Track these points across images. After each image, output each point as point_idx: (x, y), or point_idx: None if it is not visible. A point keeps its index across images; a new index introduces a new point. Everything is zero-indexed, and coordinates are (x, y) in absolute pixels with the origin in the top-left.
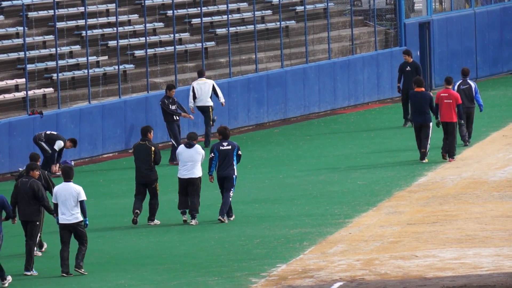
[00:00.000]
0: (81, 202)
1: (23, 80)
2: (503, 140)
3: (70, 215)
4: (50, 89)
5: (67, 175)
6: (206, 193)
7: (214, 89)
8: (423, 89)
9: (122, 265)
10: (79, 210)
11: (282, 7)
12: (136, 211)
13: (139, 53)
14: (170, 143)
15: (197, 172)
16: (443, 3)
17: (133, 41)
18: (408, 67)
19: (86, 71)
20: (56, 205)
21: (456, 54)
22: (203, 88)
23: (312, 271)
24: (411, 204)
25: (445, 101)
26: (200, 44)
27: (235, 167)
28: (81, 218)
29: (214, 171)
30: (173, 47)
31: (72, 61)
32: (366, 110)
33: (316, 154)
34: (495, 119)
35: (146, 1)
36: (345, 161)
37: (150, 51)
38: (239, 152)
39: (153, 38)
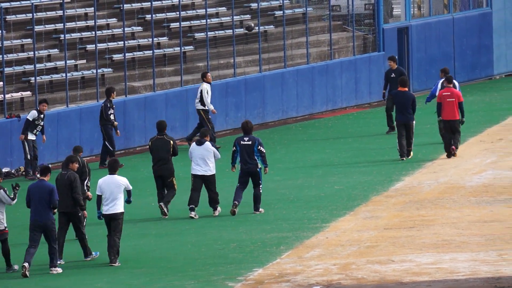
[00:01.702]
0: (129, 192)
1: (1, 83)
2: (480, 145)
3: (112, 205)
4: (28, 93)
5: (112, 168)
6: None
7: (201, 94)
8: (406, 89)
9: (99, 268)
10: (121, 201)
11: (261, 11)
12: (164, 210)
13: (117, 57)
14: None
15: (211, 168)
16: (422, 9)
17: (112, 45)
18: (393, 73)
19: (64, 74)
20: (99, 196)
21: (434, 59)
22: (198, 93)
23: (289, 276)
24: (388, 209)
25: (447, 100)
26: (179, 48)
27: (258, 161)
28: (121, 209)
29: (237, 163)
30: (151, 51)
31: (50, 64)
32: (344, 115)
33: (294, 158)
34: (472, 124)
35: (124, 5)
36: (322, 166)
37: (129, 55)
38: (260, 148)
39: (132, 42)
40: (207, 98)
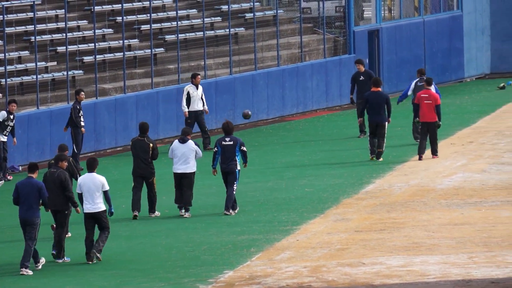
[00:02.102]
0: (106, 192)
1: None
2: (451, 148)
3: (94, 204)
4: None
5: (91, 166)
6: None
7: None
8: (380, 89)
9: (68, 271)
10: (102, 200)
11: (231, 14)
12: (135, 214)
13: (88, 59)
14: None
15: (191, 167)
16: (392, 11)
17: (82, 47)
18: (362, 76)
19: (34, 76)
20: (80, 195)
21: (405, 62)
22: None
23: (259, 278)
24: (359, 212)
25: (425, 101)
26: (149, 50)
27: (237, 162)
28: (104, 208)
29: (218, 165)
30: (122, 53)
31: (20, 66)
32: (314, 118)
33: (264, 161)
34: (443, 127)
35: (95, 7)
36: (293, 168)
37: (99, 57)
38: (243, 148)
39: (102, 44)
40: (183, 100)
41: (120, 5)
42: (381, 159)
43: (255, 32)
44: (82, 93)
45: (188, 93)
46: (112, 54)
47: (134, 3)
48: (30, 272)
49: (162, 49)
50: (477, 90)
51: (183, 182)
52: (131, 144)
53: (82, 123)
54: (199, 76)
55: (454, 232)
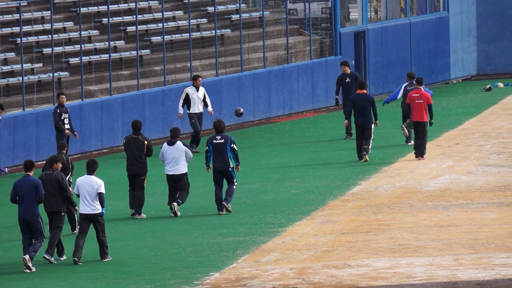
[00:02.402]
0: (100, 194)
1: None
2: (437, 150)
3: (91, 205)
4: None
5: (90, 168)
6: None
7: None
8: (365, 91)
9: (55, 272)
10: (97, 201)
11: (217, 15)
12: (133, 212)
13: (74, 60)
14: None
15: (181, 168)
16: (379, 13)
17: (68, 48)
18: (348, 78)
19: (20, 78)
20: (77, 196)
21: (391, 63)
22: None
23: (245, 280)
24: (345, 213)
25: (416, 101)
26: (135, 52)
27: (230, 159)
28: (100, 210)
29: (211, 162)
30: (108, 55)
31: (6, 68)
32: (300, 119)
33: (250, 162)
34: (429, 128)
35: (81, 9)
36: (279, 170)
37: (85, 59)
38: (233, 146)
39: (88, 46)
40: (180, 101)
41: (106, 6)
42: (366, 159)
43: (241, 34)
44: (62, 96)
45: (187, 95)
46: (98, 56)
47: (120, 5)
48: (33, 269)
49: (148, 50)
50: (463, 92)
51: (178, 185)
52: (125, 143)
53: (67, 126)
54: (200, 79)
55: (440, 234)
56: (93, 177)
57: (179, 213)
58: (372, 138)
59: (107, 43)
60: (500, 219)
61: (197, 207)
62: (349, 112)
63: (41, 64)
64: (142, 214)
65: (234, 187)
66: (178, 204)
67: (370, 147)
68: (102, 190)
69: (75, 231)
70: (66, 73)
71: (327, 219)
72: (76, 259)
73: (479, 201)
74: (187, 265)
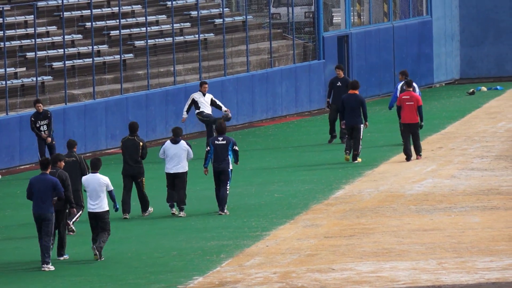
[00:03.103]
0: (110, 192)
1: None
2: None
3: (96, 204)
4: None
5: (95, 166)
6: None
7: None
8: (356, 92)
9: (38, 277)
10: (105, 200)
11: (201, 19)
12: (125, 215)
13: (57, 64)
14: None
15: (183, 167)
16: (362, 17)
17: (51, 52)
18: (339, 82)
19: (3, 82)
20: (84, 191)
21: (374, 67)
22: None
23: (229, 284)
24: (328, 217)
25: (407, 103)
26: (119, 56)
27: (230, 161)
28: (107, 208)
29: (210, 164)
30: (91, 59)
31: None
32: (284, 123)
33: (234, 166)
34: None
35: (64, 13)
36: (262, 174)
37: (69, 63)
38: (235, 148)
39: (72, 50)
40: (185, 106)
41: (89, 11)
42: (358, 160)
43: (224, 38)
44: (38, 104)
45: (193, 100)
46: (81, 60)
47: (103, 9)
48: (52, 268)
49: (131, 54)
50: (447, 96)
51: (176, 182)
52: (122, 144)
53: (43, 132)
54: (206, 85)
55: (424, 238)
56: (98, 174)
57: (185, 214)
58: (360, 140)
59: (90, 47)
60: (483, 223)
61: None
62: (341, 112)
63: (24, 68)
64: (149, 208)
65: (227, 192)
66: (182, 210)
67: (359, 150)
68: (111, 187)
69: (64, 257)
70: (50, 77)
71: (311, 223)
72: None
73: (463, 205)
74: (171, 269)
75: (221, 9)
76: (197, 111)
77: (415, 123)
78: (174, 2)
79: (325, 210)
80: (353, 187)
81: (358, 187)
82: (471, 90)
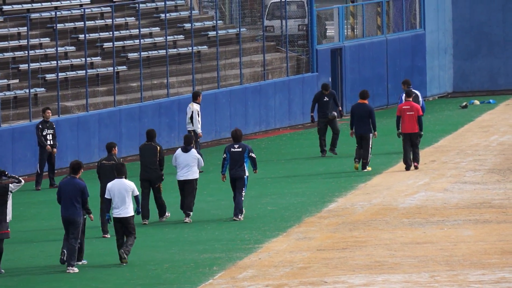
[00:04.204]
0: (136, 197)
1: None
2: (413, 167)
3: (123, 209)
4: None
5: (120, 172)
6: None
7: (192, 116)
8: (366, 101)
9: (27, 285)
10: (130, 205)
11: (194, 32)
12: (145, 221)
13: (50, 76)
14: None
15: (194, 174)
16: (355, 30)
17: (45, 64)
18: (326, 97)
19: None
20: (108, 200)
21: (367, 80)
22: (187, 112)
23: None
24: (321, 230)
25: (407, 113)
26: (112, 68)
27: (246, 168)
28: (132, 213)
29: (227, 171)
30: (84, 71)
31: None
32: (277, 136)
33: (227, 179)
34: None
35: (57, 25)
36: (255, 187)
37: (62, 75)
38: (251, 154)
39: (65, 62)
40: (199, 119)
41: (82, 23)
42: (368, 169)
43: (217, 50)
44: (48, 111)
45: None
46: (74, 72)
47: (97, 21)
48: (76, 270)
49: (124, 67)
50: (440, 109)
51: (185, 188)
52: (140, 151)
53: (49, 142)
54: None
55: (416, 251)
56: (124, 180)
57: (190, 220)
58: (371, 148)
59: (83, 59)
60: (476, 236)
61: (173, 223)
62: (351, 123)
63: (17, 80)
64: (166, 213)
65: (243, 198)
66: (189, 216)
67: (368, 159)
68: (137, 193)
69: (82, 262)
70: (43, 89)
71: (303, 235)
72: (123, 261)
73: (455, 218)
74: (164, 281)
75: (215, 22)
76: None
77: (415, 133)
78: (167, 15)
79: (318, 223)
80: (346, 200)
81: (351, 200)
82: (464, 103)
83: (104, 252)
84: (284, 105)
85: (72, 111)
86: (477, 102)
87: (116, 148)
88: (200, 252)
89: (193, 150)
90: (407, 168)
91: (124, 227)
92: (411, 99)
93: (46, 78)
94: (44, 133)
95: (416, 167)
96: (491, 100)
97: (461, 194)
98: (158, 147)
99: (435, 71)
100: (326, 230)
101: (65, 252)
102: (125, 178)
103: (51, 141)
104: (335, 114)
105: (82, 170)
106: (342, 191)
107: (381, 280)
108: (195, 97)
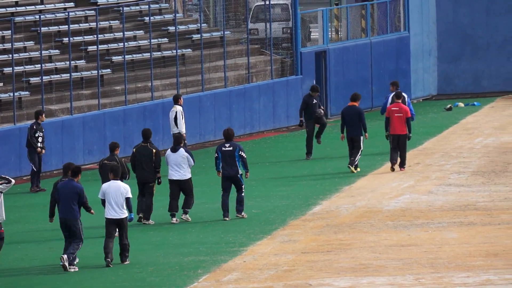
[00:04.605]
0: (128, 199)
1: None
2: (397, 169)
3: (119, 210)
4: None
5: (116, 173)
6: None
7: (176, 117)
8: (356, 103)
9: None
10: (125, 206)
11: (178, 35)
12: (140, 215)
13: (34, 80)
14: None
15: (186, 174)
16: (340, 33)
17: (29, 68)
18: (315, 100)
19: None
20: (103, 200)
21: (352, 83)
22: (170, 116)
23: None
24: (306, 233)
25: (396, 115)
26: (96, 71)
27: (238, 166)
28: (126, 215)
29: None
30: (68, 74)
31: None
32: (261, 139)
33: (211, 182)
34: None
35: (42, 28)
36: None
37: (46, 78)
38: (241, 153)
39: (49, 65)
40: (182, 121)
41: (66, 26)
42: (353, 170)
43: (202, 53)
44: (43, 115)
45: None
46: (58, 75)
47: (81, 24)
48: (76, 268)
49: (108, 70)
50: (424, 112)
51: (183, 190)
52: (135, 151)
53: (39, 144)
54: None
55: (401, 253)
56: (119, 182)
57: (190, 219)
58: (361, 150)
59: (67, 62)
60: (461, 239)
61: (158, 226)
62: (341, 125)
63: (1, 84)
64: (150, 220)
65: (243, 194)
66: (186, 213)
67: (356, 159)
68: (130, 195)
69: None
70: (27, 92)
71: (288, 238)
72: (109, 260)
73: (440, 221)
74: (148, 284)
75: (199, 25)
76: (177, 130)
77: (404, 135)
78: (152, 18)
79: (303, 226)
80: (331, 203)
81: (336, 203)
82: (449, 106)
83: (89, 255)
84: (269, 108)
85: (56, 114)
86: (461, 104)
87: (118, 149)
88: (184, 255)
89: (182, 149)
90: (392, 169)
91: (118, 229)
92: (400, 101)
93: (30, 82)
94: (36, 135)
95: (401, 170)
96: (475, 103)
97: (445, 197)
98: (154, 150)
99: (420, 74)
100: (311, 233)
101: (65, 257)
102: (128, 177)
103: (42, 143)
104: (322, 111)
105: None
106: (326, 193)
107: (366, 283)
108: (176, 100)
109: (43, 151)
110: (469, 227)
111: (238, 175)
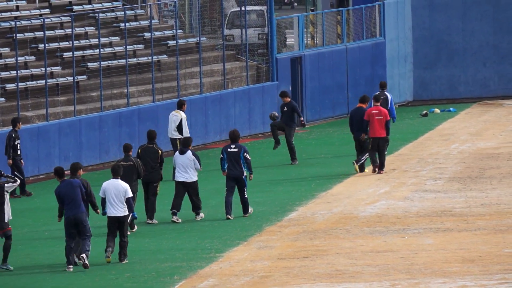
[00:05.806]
0: (128, 199)
1: None
2: (374, 175)
3: (120, 208)
4: None
5: (116, 173)
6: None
7: (180, 123)
8: (364, 105)
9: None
10: (125, 205)
11: (154, 41)
12: (153, 221)
13: (10, 86)
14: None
15: (192, 176)
16: (315, 39)
17: (4, 74)
18: (286, 107)
19: None
20: (103, 199)
21: (328, 89)
22: (174, 120)
23: None
24: (282, 239)
25: (376, 118)
26: (72, 77)
27: (243, 168)
28: (127, 212)
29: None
30: (44, 81)
31: None
32: None
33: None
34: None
35: (17, 35)
36: (215, 196)
37: (21, 85)
38: (246, 155)
39: (25, 72)
40: (186, 129)
41: (42, 32)
42: (358, 169)
43: (177, 60)
44: (20, 122)
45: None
46: (34, 82)
47: (56, 31)
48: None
49: (84, 76)
50: (400, 118)
51: (189, 191)
52: (140, 152)
53: (18, 151)
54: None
55: (377, 260)
56: (119, 181)
57: (203, 215)
58: (366, 151)
59: (43, 69)
60: (437, 245)
61: (135, 232)
62: (350, 126)
63: None
64: (154, 220)
65: (246, 196)
66: (198, 214)
67: (363, 159)
68: (130, 194)
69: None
70: (2, 99)
71: (264, 244)
72: (110, 249)
73: (416, 227)
74: None
75: (175, 31)
76: (178, 135)
77: (383, 137)
78: (127, 24)
79: (279, 232)
80: (307, 209)
81: (312, 209)
82: (424, 112)
83: (64, 261)
84: (244, 114)
85: (32, 121)
86: (437, 110)
87: (131, 150)
88: (161, 261)
89: (189, 152)
90: (374, 170)
91: (119, 227)
92: (379, 104)
93: (6, 88)
94: (15, 143)
95: (380, 173)
96: (451, 109)
97: (421, 203)
98: (160, 151)
99: (395, 80)
100: (287, 239)
101: (84, 256)
102: (139, 177)
103: (19, 151)
104: (276, 113)
105: (81, 171)
106: (302, 199)
107: None
108: (180, 106)
109: (22, 161)
110: (445, 233)
111: (243, 176)
